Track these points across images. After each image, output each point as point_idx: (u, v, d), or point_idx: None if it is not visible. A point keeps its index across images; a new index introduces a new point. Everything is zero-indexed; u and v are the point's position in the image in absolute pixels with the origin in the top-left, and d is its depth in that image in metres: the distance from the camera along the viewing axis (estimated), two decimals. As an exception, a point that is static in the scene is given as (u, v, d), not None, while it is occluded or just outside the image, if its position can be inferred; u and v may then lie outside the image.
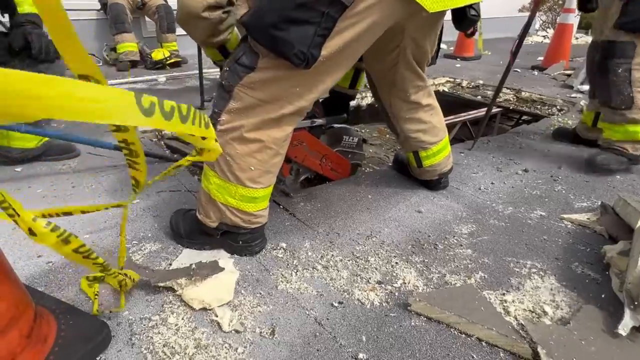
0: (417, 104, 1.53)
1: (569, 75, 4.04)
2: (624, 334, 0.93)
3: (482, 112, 3.48)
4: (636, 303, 0.96)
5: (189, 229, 1.31)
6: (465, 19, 1.32)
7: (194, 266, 1.18)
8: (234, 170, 1.14)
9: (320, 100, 1.78)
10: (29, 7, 1.80)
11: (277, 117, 1.11)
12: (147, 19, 4.77)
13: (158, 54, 4.30)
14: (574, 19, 4.66)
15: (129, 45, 4.23)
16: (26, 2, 1.80)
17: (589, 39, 7.58)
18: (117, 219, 1.47)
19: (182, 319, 1.03)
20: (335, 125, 1.91)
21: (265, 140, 1.13)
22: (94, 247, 1.30)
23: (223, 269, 1.15)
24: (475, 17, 1.33)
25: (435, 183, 1.73)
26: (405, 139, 1.63)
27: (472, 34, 1.35)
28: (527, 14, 2.03)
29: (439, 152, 1.65)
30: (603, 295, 1.13)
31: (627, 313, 0.96)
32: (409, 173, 1.81)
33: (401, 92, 1.50)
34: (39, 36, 1.80)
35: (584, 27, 8.81)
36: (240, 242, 1.27)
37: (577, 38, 7.27)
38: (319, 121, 1.71)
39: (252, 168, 1.15)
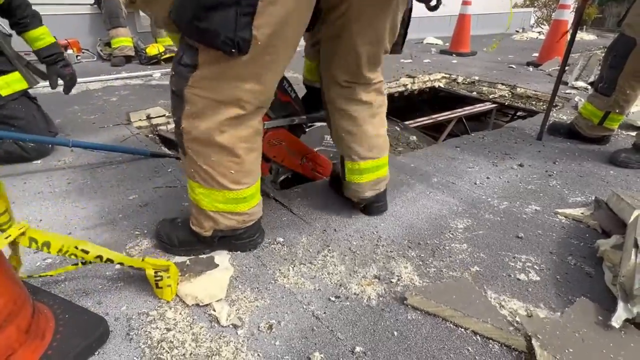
0: (353, 93, 1.32)
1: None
2: (617, 326, 0.95)
3: (477, 108, 3.51)
4: (629, 296, 0.98)
5: (183, 239, 1.24)
6: None
7: (188, 262, 1.19)
8: (215, 177, 1.10)
9: (301, 97, 1.68)
10: (50, 37, 2.08)
11: (237, 116, 1.04)
12: (141, 14, 4.74)
13: (153, 50, 4.28)
14: (569, 15, 4.68)
15: (123, 40, 4.20)
16: (47, 34, 2.07)
17: (584, 35, 7.61)
18: (113, 215, 1.47)
19: (180, 314, 1.03)
20: (317, 124, 1.83)
21: (234, 141, 1.06)
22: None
23: (217, 265, 1.15)
24: None
25: (357, 205, 1.50)
26: (336, 137, 1.43)
27: (436, 7, 1.20)
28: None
29: (366, 172, 1.40)
30: (596, 289, 1.15)
31: (620, 305, 0.98)
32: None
33: (338, 71, 1.29)
34: (72, 78, 2.13)
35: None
36: (240, 241, 1.26)
37: (572, 34, 7.28)
38: (300, 119, 1.62)
39: (232, 171, 1.10)
